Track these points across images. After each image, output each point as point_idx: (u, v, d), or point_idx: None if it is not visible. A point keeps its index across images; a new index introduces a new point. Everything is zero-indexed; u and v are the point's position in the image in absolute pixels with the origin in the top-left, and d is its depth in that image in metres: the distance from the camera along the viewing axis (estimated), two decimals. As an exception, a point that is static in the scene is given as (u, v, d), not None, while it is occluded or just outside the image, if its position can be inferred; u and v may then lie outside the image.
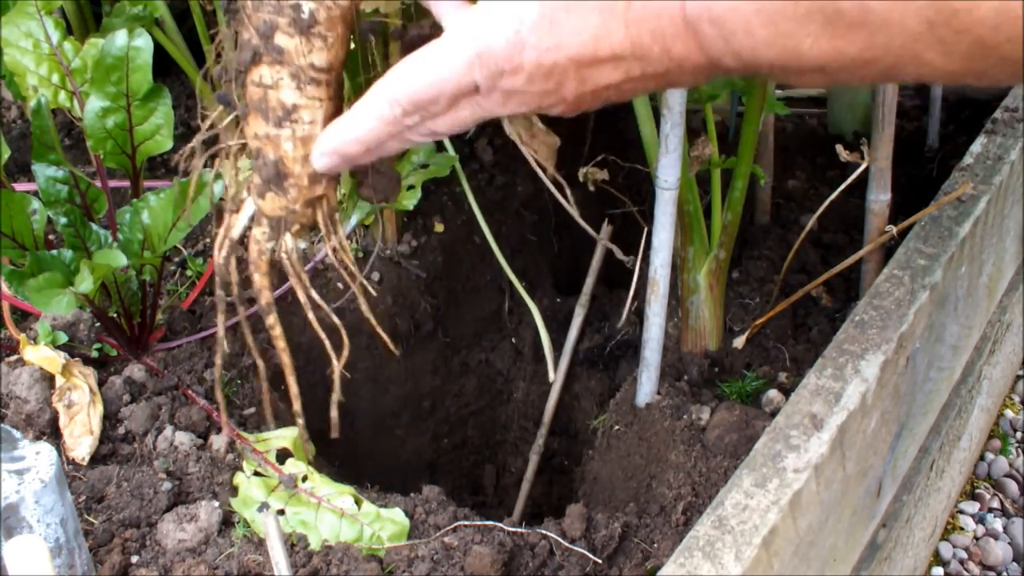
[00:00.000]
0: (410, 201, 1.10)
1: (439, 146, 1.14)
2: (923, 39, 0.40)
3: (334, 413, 0.87)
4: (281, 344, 0.85)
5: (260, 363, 0.85)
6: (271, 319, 0.82)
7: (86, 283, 0.85)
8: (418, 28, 0.83)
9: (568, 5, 0.50)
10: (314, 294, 0.79)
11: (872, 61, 0.43)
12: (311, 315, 0.79)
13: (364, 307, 0.80)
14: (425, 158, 1.11)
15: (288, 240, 0.77)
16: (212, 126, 0.79)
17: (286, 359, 0.85)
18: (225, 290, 0.81)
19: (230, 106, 0.74)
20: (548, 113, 0.56)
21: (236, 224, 0.77)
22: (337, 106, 0.73)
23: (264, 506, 0.83)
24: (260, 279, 0.79)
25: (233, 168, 0.79)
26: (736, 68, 0.48)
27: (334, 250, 0.78)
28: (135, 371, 0.96)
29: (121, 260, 0.88)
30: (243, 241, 0.80)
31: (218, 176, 0.95)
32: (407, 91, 0.56)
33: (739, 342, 1.11)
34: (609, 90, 0.52)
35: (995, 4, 0.37)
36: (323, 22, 0.69)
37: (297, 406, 0.89)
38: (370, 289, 0.79)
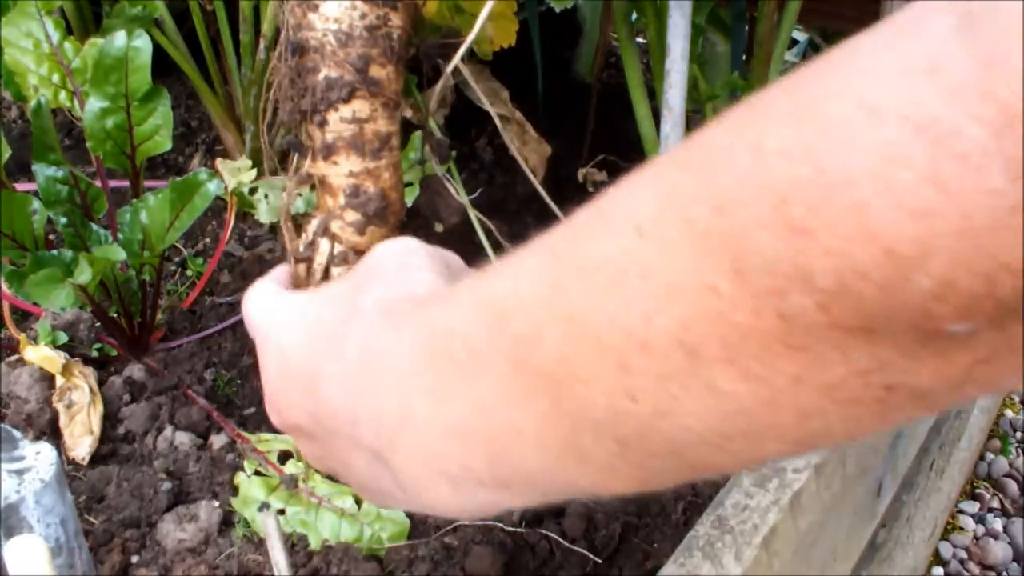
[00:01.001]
0: (408, 198, 1.09)
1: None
2: (509, 390, 0.33)
3: None
4: None
5: None
6: None
7: (85, 275, 0.85)
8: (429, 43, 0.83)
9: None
10: None
11: (476, 435, 0.35)
12: None
13: None
14: (422, 154, 1.10)
15: None
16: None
17: None
18: None
19: (302, 150, 0.74)
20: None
21: (317, 270, 0.76)
22: None
23: (264, 506, 0.83)
24: None
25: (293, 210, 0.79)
26: (372, 448, 0.41)
27: None
28: (135, 371, 0.96)
29: (119, 255, 0.88)
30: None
31: (212, 175, 0.95)
32: None
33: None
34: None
35: (563, 329, 0.30)
36: (402, 48, 0.69)
37: None
38: None
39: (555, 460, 0.33)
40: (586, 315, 0.29)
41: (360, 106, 0.69)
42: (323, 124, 0.70)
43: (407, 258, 0.47)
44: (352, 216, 0.73)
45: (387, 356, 0.38)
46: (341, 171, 0.72)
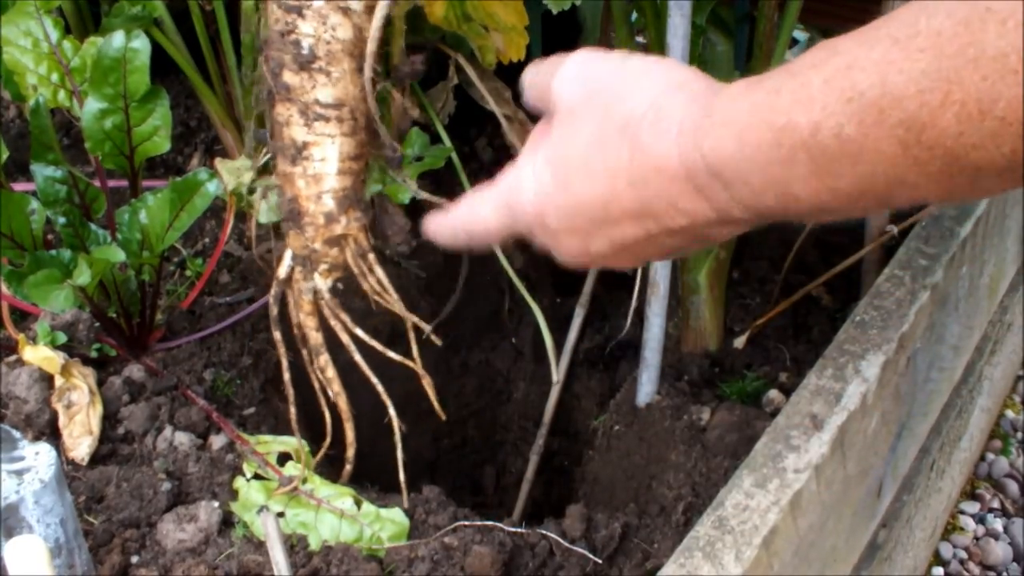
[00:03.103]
0: (405, 194, 1.08)
1: (435, 138, 1.13)
2: (901, 162, 0.40)
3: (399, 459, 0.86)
4: (336, 388, 0.83)
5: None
6: (322, 360, 0.80)
7: (84, 276, 0.85)
8: (409, 64, 0.81)
9: (578, 167, 0.52)
10: (360, 332, 0.77)
11: (864, 192, 0.43)
12: (357, 357, 0.78)
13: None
14: (420, 150, 1.10)
15: (318, 280, 0.75)
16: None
17: (343, 405, 0.83)
18: (283, 334, 0.80)
19: (265, 144, 0.74)
20: (602, 267, 0.59)
21: (283, 263, 0.76)
22: (360, 142, 0.72)
23: (264, 507, 0.83)
24: (304, 318, 0.78)
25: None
26: (746, 218, 0.49)
27: (373, 291, 0.77)
28: (135, 371, 0.96)
29: (119, 255, 0.88)
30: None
31: (212, 176, 0.95)
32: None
33: (739, 342, 1.11)
34: (640, 245, 0.54)
35: (955, 111, 0.37)
36: (323, 57, 0.68)
37: (351, 452, 0.87)
38: (419, 322, 0.78)
39: (937, 194, 0.42)
40: (986, 99, 0.37)
41: (280, 110, 0.68)
42: (272, 125, 0.70)
43: (609, 71, 0.54)
44: (286, 216, 0.73)
45: (728, 156, 0.46)
46: (278, 169, 0.72)
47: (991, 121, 0.37)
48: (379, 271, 0.76)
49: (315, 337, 0.78)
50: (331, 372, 0.80)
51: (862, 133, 0.40)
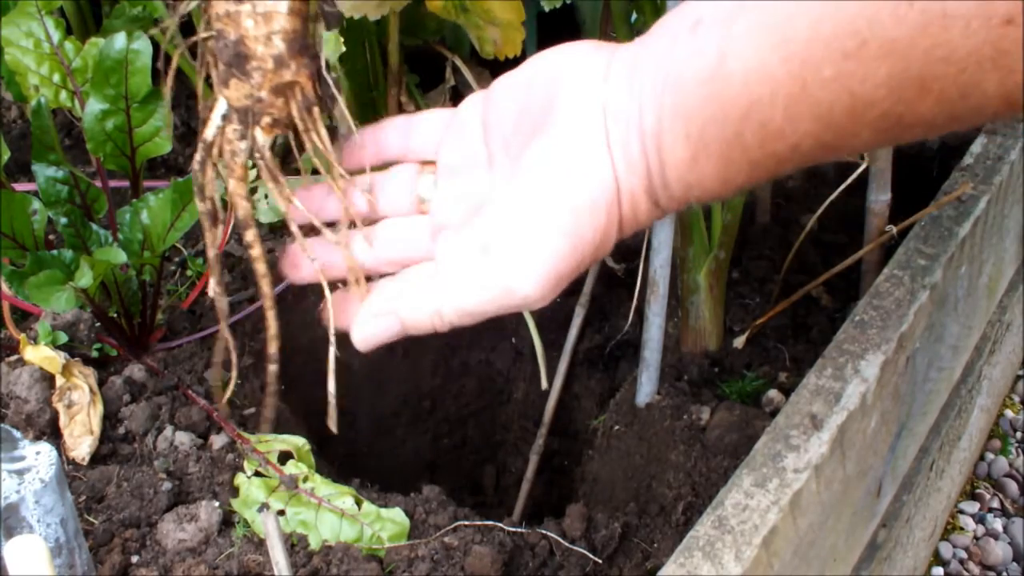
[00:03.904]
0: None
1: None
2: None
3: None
4: (262, 269, 0.70)
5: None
6: (250, 235, 0.69)
7: (86, 277, 0.85)
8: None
9: None
10: (297, 203, 0.68)
11: None
12: (294, 227, 0.68)
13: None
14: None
15: (260, 137, 0.68)
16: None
17: (266, 288, 0.70)
18: (205, 200, 0.70)
19: None
20: None
21: (210, 124, 0.69)
22: None
23: (264, 506, 0.83)
24: (235, 185, 0.68)
25: (204, 66, 0.70)
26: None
27: (314, 147, 0.68)
28: (135, 371, 0.96)
29: (120, 257, 0.88)
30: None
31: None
32: None
33: (739, 342, 1.11)
34: None
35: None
36: None
37: (273, 369, 0.70)
38: (356, 206, 0.69)
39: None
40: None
41: None
42: None
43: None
44: (219, 64, 0.67)
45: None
46: (215, 15, 0.66)
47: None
48: (323, 130, 0.67)
49: (245, 207, 0.70)
50: (258, 250, 0.71)
51: (835, 63, 0.45)
